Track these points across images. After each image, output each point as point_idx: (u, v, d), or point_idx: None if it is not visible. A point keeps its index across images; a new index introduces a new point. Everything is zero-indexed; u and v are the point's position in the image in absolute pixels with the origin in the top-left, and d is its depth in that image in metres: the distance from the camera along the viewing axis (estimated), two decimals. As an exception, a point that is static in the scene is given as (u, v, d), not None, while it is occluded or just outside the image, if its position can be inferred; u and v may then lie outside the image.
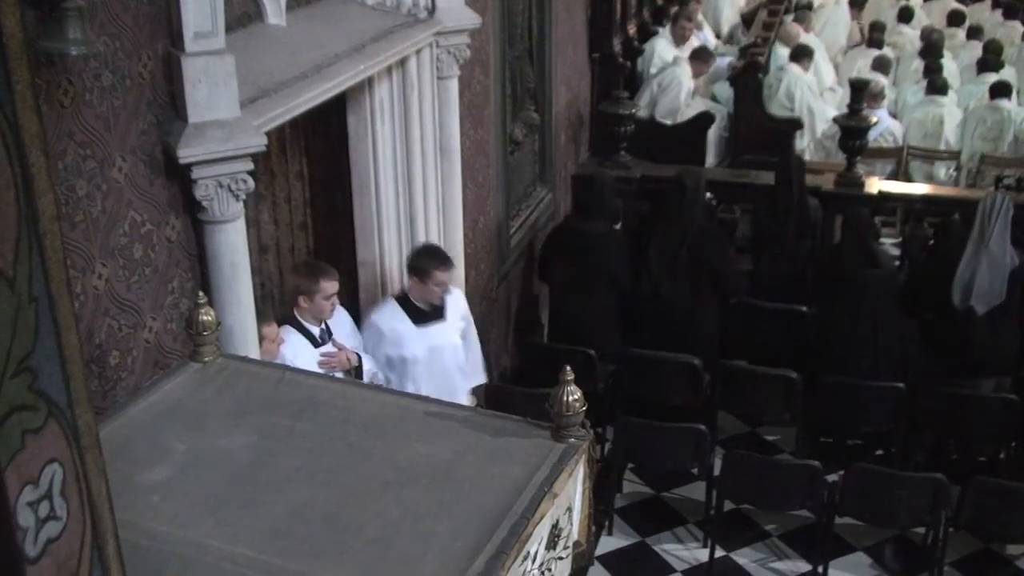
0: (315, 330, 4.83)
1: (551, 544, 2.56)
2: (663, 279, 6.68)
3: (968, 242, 6.13)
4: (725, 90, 9.98)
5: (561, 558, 2.65)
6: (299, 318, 4.80)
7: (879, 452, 6.60)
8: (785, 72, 10.12)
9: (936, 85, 10.05)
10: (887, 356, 6.40)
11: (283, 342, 4.68)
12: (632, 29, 10.31)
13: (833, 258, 6.92)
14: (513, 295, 7.46)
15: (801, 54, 10.24)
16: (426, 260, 5.21)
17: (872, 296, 6.39)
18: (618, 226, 7.70)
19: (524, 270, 7.61)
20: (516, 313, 7.55)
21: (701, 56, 10.01)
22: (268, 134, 3.84)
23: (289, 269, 5.08)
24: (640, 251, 6.85)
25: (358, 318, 5.38)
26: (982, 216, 6.09)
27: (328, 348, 4.85)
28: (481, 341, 6.81)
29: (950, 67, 10.96)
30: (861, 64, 11.12)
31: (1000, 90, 9.69)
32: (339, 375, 4.72)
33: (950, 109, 9.90)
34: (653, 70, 9.91)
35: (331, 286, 4.76)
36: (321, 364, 4.74)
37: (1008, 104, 9.64)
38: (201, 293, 3.14)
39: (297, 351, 4.68)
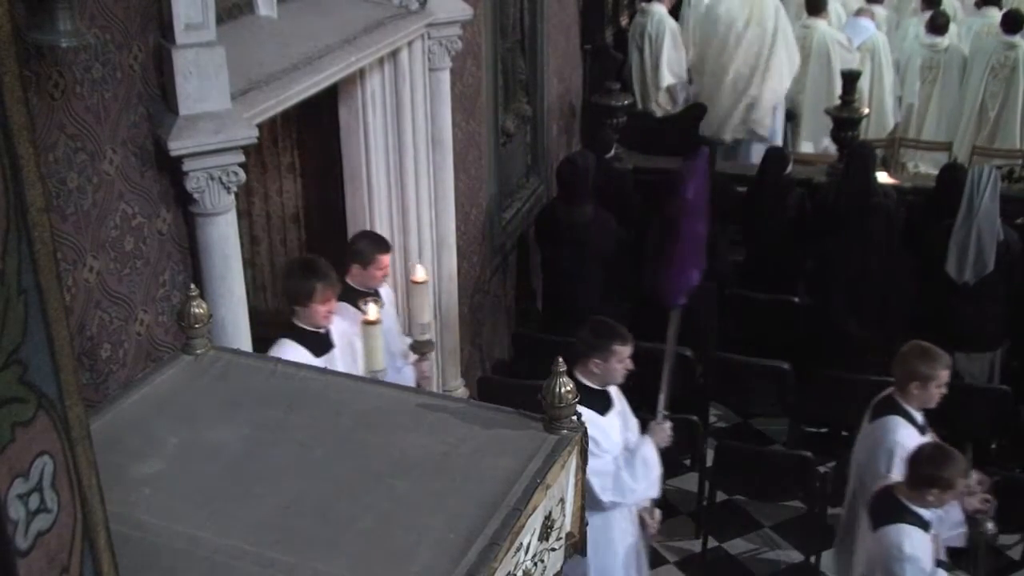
0: (918, 416, 4.76)
1: (544, 535, 2.56)
2: (660, 277, 6.67)
3: (955, 217, 6.17)
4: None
5: (554, 549, 2.66)
6: (904, 405, 4.74)
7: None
8: (811, 29, 9.50)
9: (937, 24, 9.58)
10: (880, 300, 6.44)
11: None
12: (624, 20, 10.30)
13: (837, 192, 6.95)
14: (506, 287, 7.46)
15: (819, 5, 9.68)
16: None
17: (872, 228, 6.42)
18: (611, 153, 7.66)
19: (517, 261, 7.61)
20: (508, 305, 7.56)
21: None
22: (259, 126, 3.83)
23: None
24: (636, 245, 6.85)
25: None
26: (971, 188, 6.12)
27: (930, 439, 4.75)
28: (474, 333, 6.82)
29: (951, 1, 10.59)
30: None
31: (1013, 23, 9.19)
32: None
33: (951, 51, 9.58)
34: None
35: (943, 374, 4.71)
36: None
37: (1021, 41, 9.17)
38: (193, 285, 3.13)
39: (907, 439, 4.61)
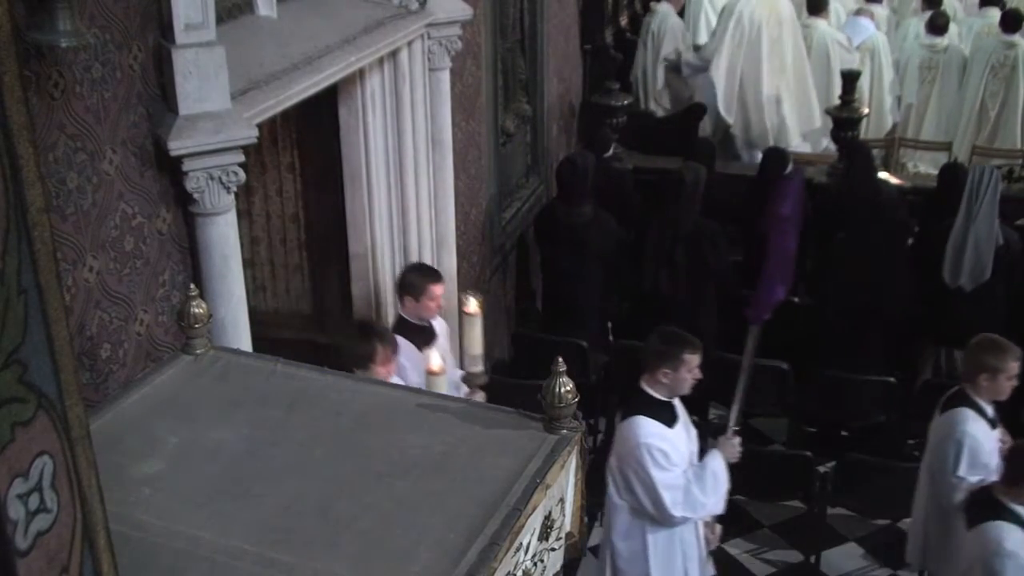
0: (989, 410, 4.70)
1: (544, 535, 2.56)
2: (661, 276, 6.67)
3: (956, 217, 6.15)
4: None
5: (554, 549, 2.66)
6: (975, 398, 4.67)
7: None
8: (811, 29, 9.43)
9: (937, 24, 9.57)
10: (880, 299, 6.43)
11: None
12: (624, 20, 10.31)
13: (838, 191, 6.95)
14: (505, 287, 7.46)
15: (820, 5, 9.61)
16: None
17: (878, 227, 6.42)
18: (609, 153, 7.65)
19: (516, 261, 7.61)
20: (508, 305, 7.55)
21: None
22: (259, 126, 3.83)
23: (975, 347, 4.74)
24: (636, 245, 6.85)
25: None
26: (970, 190, 6.09)
27: (1000, 433, 4.71)
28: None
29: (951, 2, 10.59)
30: None
31: (1013, 23, 9.20)
32: None
33: (951, 51, 9.58)
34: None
35: (1013, 366, 4.60)
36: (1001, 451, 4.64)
37: (1021, 40, 9.17)
38: (192, 285, 3.13)
39: (977, 431, 4.58)
